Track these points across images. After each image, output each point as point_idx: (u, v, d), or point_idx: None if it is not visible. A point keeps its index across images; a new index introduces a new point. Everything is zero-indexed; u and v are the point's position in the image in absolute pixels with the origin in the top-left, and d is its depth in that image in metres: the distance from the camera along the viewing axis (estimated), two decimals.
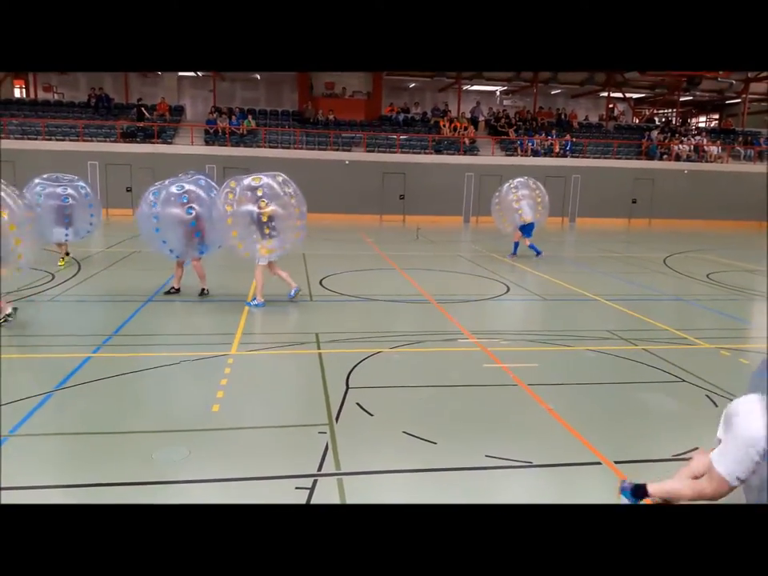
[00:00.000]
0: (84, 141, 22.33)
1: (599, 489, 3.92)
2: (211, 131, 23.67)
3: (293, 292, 8.73)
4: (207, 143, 23.42)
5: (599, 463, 4.16)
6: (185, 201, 8.40)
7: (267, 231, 8.09)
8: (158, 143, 22.81)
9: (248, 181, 8.15)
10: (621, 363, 6.37)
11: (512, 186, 13.93)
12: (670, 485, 3.17)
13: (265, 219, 8.01)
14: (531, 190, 13.79)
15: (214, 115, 24.20)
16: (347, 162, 23.71)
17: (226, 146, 23.22)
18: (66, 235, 11.03)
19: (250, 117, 24.64)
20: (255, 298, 8.47)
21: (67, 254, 11.29)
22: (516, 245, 13.95)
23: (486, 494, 3.79)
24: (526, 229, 13.68)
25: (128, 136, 22.85)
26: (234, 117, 24.26)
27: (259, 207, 8.00)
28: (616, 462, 4.14)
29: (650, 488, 3.24)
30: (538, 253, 13.83)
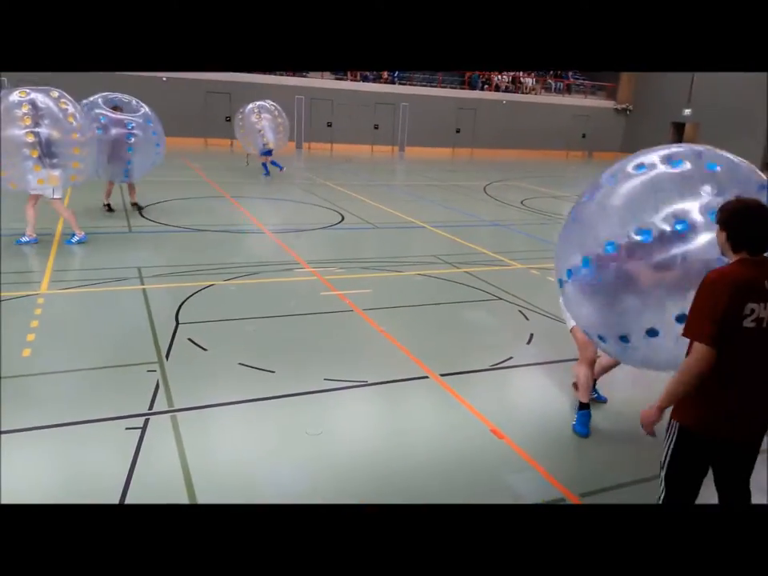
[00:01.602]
0: None
1: (427, 400, 4.23)
2: None
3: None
4: None
5: (427, 377, 4.48)
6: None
7: (49, 159, 6.92)
8: None
9: (14, 96, 6.84)
10: (445, 285, 6.81)
11: (254, 108, 14.82)
12: (578, 379, 3.99)
13: (30, 139, 6.79)
14: (274, 116, 14.84)
15: None
16: (164, 79, 21.76)
17: None
18: None
19: None
20: (75, 234, 7.60)
21: None
22: (265, 165, 15.05)
23: (325, 415, 3.92)
24: (268, 150, 14.95)
25: None
26: None
27: (24, 126, 6.78)
28: (441, 375, 4.49)
29: (579, 396, 3.98)
30: (281, 168, 15.25)
